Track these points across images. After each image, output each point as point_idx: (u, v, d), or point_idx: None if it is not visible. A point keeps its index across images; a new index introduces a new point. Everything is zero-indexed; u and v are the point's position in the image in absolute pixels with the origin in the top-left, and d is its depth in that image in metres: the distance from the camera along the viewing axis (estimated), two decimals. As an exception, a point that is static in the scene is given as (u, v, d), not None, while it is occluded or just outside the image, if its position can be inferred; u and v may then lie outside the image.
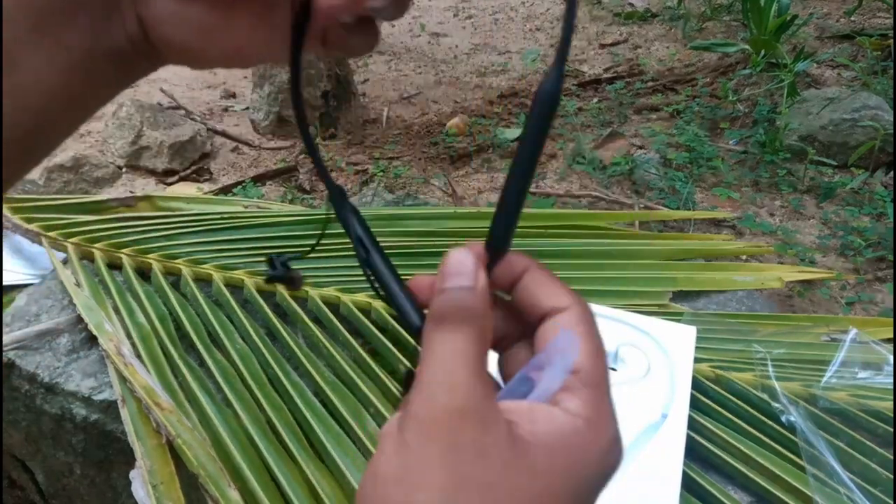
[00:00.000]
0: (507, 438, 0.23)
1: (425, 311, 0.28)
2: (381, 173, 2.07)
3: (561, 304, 0.27)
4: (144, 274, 0.91)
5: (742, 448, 0.69)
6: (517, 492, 0.23)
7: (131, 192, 2.17)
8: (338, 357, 0.78)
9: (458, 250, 0.27)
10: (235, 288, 0.89)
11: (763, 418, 0.72)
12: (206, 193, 2.05)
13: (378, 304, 0.84)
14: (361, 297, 0.86)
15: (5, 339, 0.81)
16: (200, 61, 0.29)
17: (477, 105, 2.54)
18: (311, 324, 0.83)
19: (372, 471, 0.24)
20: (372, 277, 0.30)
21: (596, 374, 0.26)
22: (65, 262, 0.92)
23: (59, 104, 0.28)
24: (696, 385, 0.75)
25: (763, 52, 2.33)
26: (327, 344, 0.80)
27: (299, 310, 0.85)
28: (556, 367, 0.25)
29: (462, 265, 0.27)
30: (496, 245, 0.28)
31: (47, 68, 0.26)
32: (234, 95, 2.80)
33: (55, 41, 0.26)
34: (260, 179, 2.11)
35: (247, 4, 0.28)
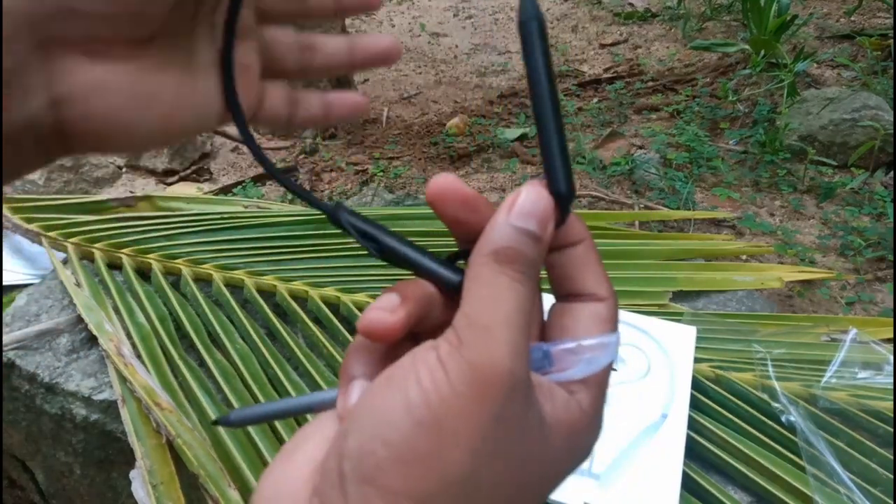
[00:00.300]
0: (539, 421, 0.23)
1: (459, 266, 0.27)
2: (381, 173, 2.07)
3: (601, 294, 0.26)
4: (144, 274, 0.91)
5: (742, 448, 0.69)
6: (538, 471, 0.24)
7: (131, 192, 2.17)
8: (338, 357, 0.78)
9: (537, 188, 0.25)
10: (235, 288, 0.89)
11: (763, 418, 0.72)
12: (206, 193, 2.05)
13: (378, 304, 0.84)
14: (361, 297, 0.86)
15: (5, 338, 0.81)
16: (120, 140, 0.26)
17: (477, 105, 2.54)
18: (311, 324, 0.83)
19: (403, 403, 0.22)
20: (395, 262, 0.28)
21: (606, 375, 0.26)
22: (65, 262, 0.92)
23: None
24: (696, 385, 0.75)
25: (763, 52, 2.33)
26: (327, 344, 0.80)
27: (299, 310, 0.85)
28: (591, 363, 0.25)
29: (537, 207, 0.24)
30: (562, 193, 0.25)
31: None
32: (234, 95, 2.80)
33: None
34: (260, 179, 2.11)
35: (175, 65, 0.26)
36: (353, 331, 0.82)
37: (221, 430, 0.72)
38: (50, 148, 0.25)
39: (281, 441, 0.71)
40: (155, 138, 0.27)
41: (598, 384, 0.26)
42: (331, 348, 0.79)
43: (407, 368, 0.23)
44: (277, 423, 0.73)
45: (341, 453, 0.22)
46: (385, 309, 0.24)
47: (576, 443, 0.25)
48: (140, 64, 0.25)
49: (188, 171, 2.22)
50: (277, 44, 0.31)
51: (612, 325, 0.26)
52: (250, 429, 0.72)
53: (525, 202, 0.24)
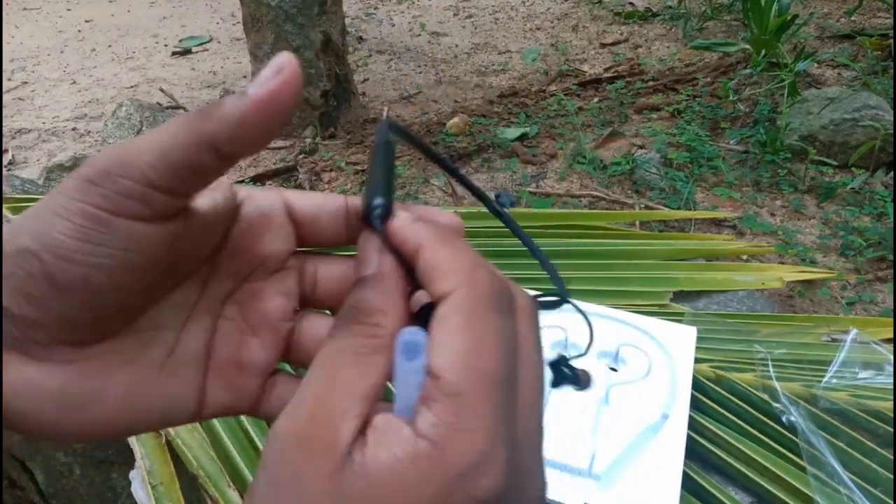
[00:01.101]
0: (329, 470, 0.19)
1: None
2: (382, 173, 2.07)
3: (445, 289, 0.21)
4: (144, 274, 0.91)
5: (743, 448, 0.69)
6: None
7: (131, 191, 2.17)
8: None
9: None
10: (235, 288, 0.89)
11: (764, 419, 0.72)
12: (206, 193, 2.05)
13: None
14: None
15: (5, 339, 0.81)
16: (46, 436, 0.24)
17: (477, 104, 2.54)
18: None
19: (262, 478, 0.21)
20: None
21: (465, 378, 0.20)
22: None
23: None
24: (697, 385, 0.75)
25: (764, 51, 2.33)
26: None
27: (299, 310, 0.85)
28: (401, 374, 0.21)
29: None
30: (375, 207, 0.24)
31: None
32: (234, 95, 2.80)
33: None
34: (259, 179, 2.11)
35: (127, 369, 0.24)
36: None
37: (221, 430, 0.72)
38: None
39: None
40: (90, 438, 0.24)
41: (449, 394, 0.20)
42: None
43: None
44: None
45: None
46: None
47: (407, 478, 0.19)
48: (81, 366, 0.23)
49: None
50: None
51: (462, 316, 0.21)
52: (250, 429, 0.72)
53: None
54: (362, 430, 0.20)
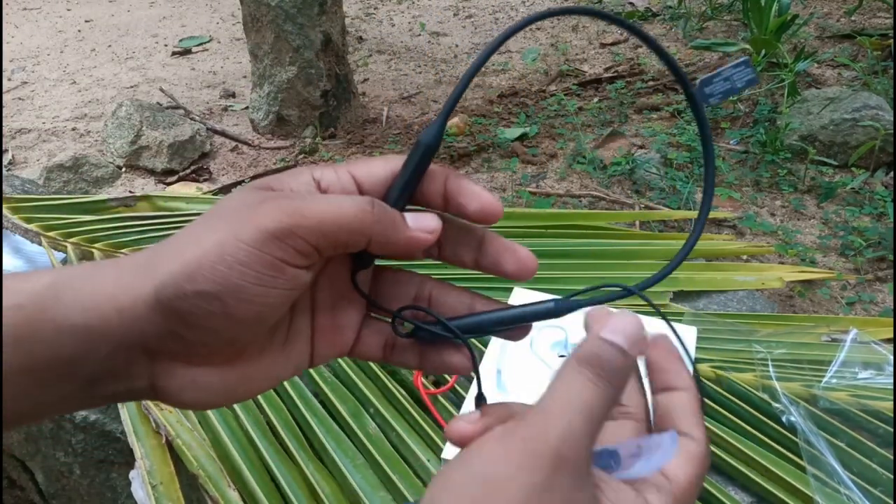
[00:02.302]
0: (591, 500, 0.25)
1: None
2: (382, 173, 2.07)
3: (695, 435, 0.30)
4: (144, 274, 0.91)
5: (743, 448, 0.69)
6: None
7: (131, 191, 2.17)
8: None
9: (632, 315, 0.28)
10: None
11: (764, 419, 0.72)
12: (205, 193, 2.05)
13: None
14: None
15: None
16: (208, 408, 0.31)
17: (477, 105, 2.54)
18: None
19: (465, 463, 0.26)
20: None
21: (685, 491, 0.28)
22: (64, 261, 0.92)
23: (37, 420, 0.29)
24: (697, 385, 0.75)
25: (763, 51, 2.32)
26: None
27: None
28: (654, 459, 0.28)
29: (629, 328, 0.28)
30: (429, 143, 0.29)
31: (33, 407, 0.27)
32: (233, 95, 2.80)
33: (47, 394, 0.27)
34: (259, 179, 2.11)
35: (264, 356, 0.30)
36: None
37: (221, 430, 0.72)
38: (142, 399, 0.29)
39: (282, 442, 0.71)
40: (242, 401, 0.31)
41: (672, 493, 0.28)
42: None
43: (478, 443, 0.27)
44: (277, 425, 0.73)
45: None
46: (468, 421, 0.28)
47: None
48: (234, 364, 0.29)
49: (187, 171, 2.22)
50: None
51: (697, 460, 0.30)
52: (250, 429, 0.72)
53: (620, 322, 0.28)
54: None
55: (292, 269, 0.27)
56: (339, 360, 0.77)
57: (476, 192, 0.29)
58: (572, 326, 0.76)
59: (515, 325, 0.32)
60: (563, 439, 0.25)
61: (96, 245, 0.94)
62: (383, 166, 0.30)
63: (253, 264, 0.26)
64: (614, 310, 0.29)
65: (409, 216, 0.29)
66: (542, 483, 0.24)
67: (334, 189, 0.30)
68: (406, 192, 0.29)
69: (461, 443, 0.28)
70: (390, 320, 0.32)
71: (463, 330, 0.31)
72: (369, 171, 0.30)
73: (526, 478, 0.24)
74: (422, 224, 0.29)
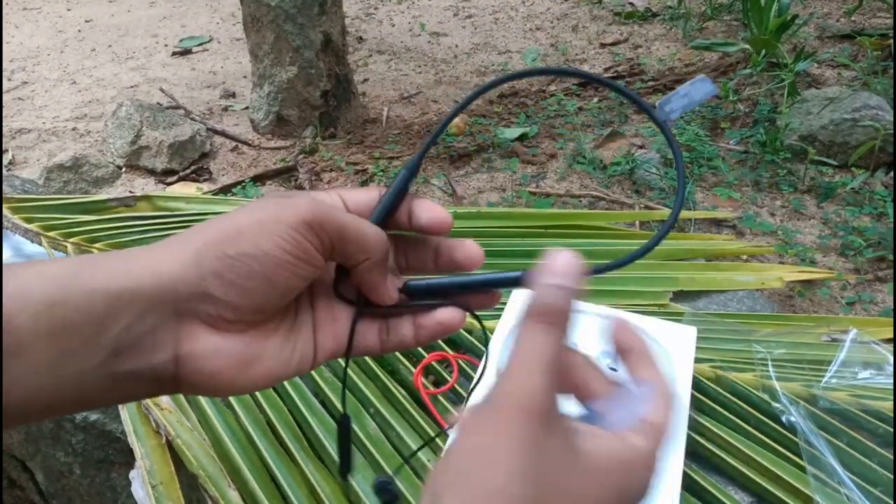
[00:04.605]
0: (566, 444, 0.28)
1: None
2: (381, 173, 2.07)
3: (652, 376, 0.32)
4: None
5: (742, 448, 0.69)
6: (567, 490, 0.27)
7: (131, 191, 2.17)
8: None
9: (567, 252, 0.31)
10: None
11: (763, 418, 0.72)
12: (205, 193, 2.05)
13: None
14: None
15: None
16: (222, 391, 0.32)
17: (477, 104, 2.54)
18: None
19: (456, 441, 0.28)
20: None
21: (663, 431, 0.30)
22: (64, 261, 0.92)
23: (54, 409, 0.29)
24: (697, 385, 0.75)
25: (763, 51, 2.32)
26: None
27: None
28: (633, 409, 0.30)
29: (565, 264, 0.30)
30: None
31: (53, 386, 0.27)
32: (233, 95, 2.80)
33: (70, 365, 0.27)
34: (260, 179, 2.11)
35: (280, 332, 0.33)
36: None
37: (221, 430, 0.72)
38: (163, 387, 0.31)
39: (282, 442, 0.71)
40: (255, 388, 0.32)
41: (653, 435, 0.30)
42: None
43: (461, 420, 0.29)
44: (278, 424, 0.73)
45: (427, 489, 0.28)
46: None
47: (627, 478, 0.29)
48: (252, 335, 0.32)
49: (188, 171, 2.22)
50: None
51: (668, 399, 0.32)
52: (250, 429, 0.72)
53: (557, 265, 0.30)
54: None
55: (317, 253, 0.31)
56: (340, 361, 0.77)
57: (428, 206, 0.35)
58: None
59: (480, 289, 0.35)
60: (529, 395, 0.27)
61: (96, 245, 0.94)
62: (366, 194, 0.35)
63: (289, 239, 0.30)
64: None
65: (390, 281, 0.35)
66: (521, 440, 0.26)
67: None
68: (387, 211, 0.35)
69: None
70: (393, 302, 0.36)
71: (426, 291, 0.35)
72: (355, 197, 0.35)
73: (504, 440, 0.26)
74: (391, 292, 0.35)
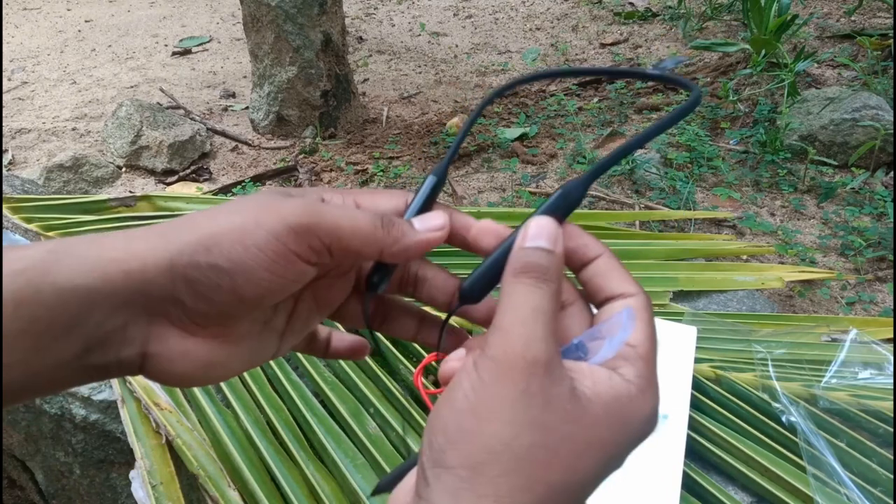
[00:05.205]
0: (569, 392, 0.27)
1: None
2: (381, 173, 2.07)
3: (630, 291, 0.31)
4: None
5: (742, 448, 0.69)
6: (573, 436, 0.26)
7: (131, 191, 2.17)
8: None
9: (541, 216, 0.30)
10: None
11: (763, 418, 0.72)
12: (205, 193, 2.05)
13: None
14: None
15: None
16: (186, 385, 0.32)
17: (477, 104, 2.54)
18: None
19: (449, 401, 0.27)
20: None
21: (650, 350, 0.29)
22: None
23: (22, 398, 0.29)
24: (697, 385, 0.75)
25: (763, 51, 2.32)
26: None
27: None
28: (616, 338, 0.29)
29: (544, 230, 0.30)
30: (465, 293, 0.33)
31: (24, 379, 0.27)
32: (233, 95, 2.80)
33: (41, 360, 0.27)
34: (259, 179, 2.11)
35: (245, 340, 0.32)
36: (352, 331, 0.82)
37: (221, 430, 0.72)
38: (129, 373, 0.30)
39: (282, 442, 0.71)
40: (215, 383, 0.33)
41: (643, 358, 0.29)
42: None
43: (455, 379, 0.28)
44: (278, 424, 0.73)
45: (423, 467, 0.27)
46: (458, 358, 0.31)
47: (626, 411, 0.28)
48: (222, 340, 0.31)
49: (188, 171, 2.22)
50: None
51: (646, 313, 0.30)
52: (250, 429, 0.72)
53: (533, 229, 0.30)
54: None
55: (302, 263, 0.29)
56: (340, 361, 0.77)
57: (487, 227, 0.33)
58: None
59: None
60: (527, 345, 0.26)
61: (96, 245, 0.94)
62: (388, 201, 0.33)
63: (268, 251, 0.28)
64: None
65: (415, 220, 0.32)
66: (523, 391, 0.26)
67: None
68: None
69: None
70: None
71: (480, 295, 0.33)
72: (374, 202, 0.33)
73: (507, 392, 0.26)
74: (429, 224, 0.32)
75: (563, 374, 0.27)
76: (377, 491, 0.34)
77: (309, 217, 0.29)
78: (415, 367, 0.79)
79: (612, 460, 0.28)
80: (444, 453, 0.26)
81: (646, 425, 0.28)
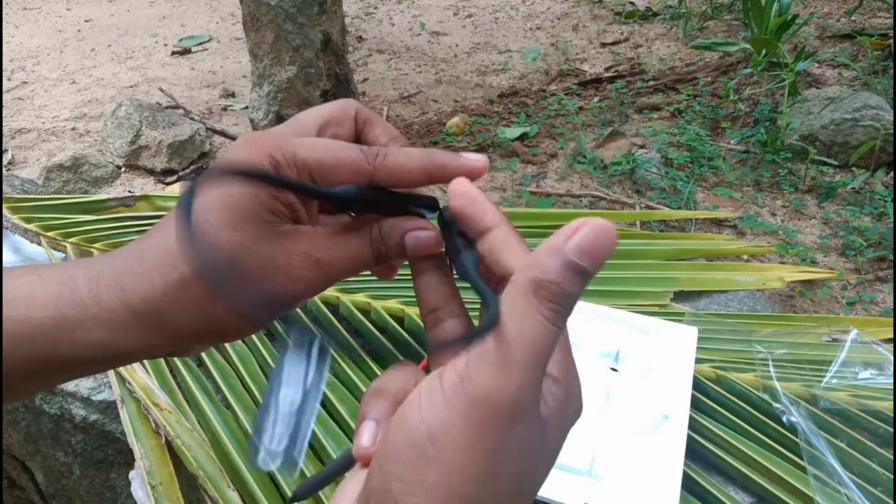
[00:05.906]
0: (541, 433, 0.24)
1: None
2: (382, 173, 2.06)
3: (489, 223, 0.27)
4: (144, 274, 0.91)
5: (743, 448, 0.68)
6: (541, 466, 0.24)
7: (130, 191, 2.17)
8: (337, 357, 0.78)
9: (601, 221, 0.23)
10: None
11: (764, 419, 0.72)
12: (206, 193, 2.04)
13: (377, 305, 0.84)
14: (361, 298, 0.86)
15: (4, 339, 0.81)
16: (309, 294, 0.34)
17: (477, 104, 2.54)
18: (310, 324, 0.83)
19: (409, 432, 0.23)
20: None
21: (567, 363, 0.25)
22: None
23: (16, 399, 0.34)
24: (698, 385, 0.75)
25: (764, 51, 2.32)
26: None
27: (298, 310, 0.85)
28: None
29: (599, 241, 0.23)
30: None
31: (22, 394, 0.31)
32: (233, 95, 2.80)
33: (40, 383, 0.31)
34: (260, 179, 2.11)
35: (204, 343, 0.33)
36: (352, 331, 0.82)
37: (221, 430, 0.72)
38: None
39: (280, 441, 0.71)
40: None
41: (564, 374, 0.25)
42: (330, 349, 0.79)
43: (414, 404, 0.24)
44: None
45: (368, 493, 0.24)
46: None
47: (566, 416, 0.25)
48: (179, 350, 0.33)
49: (187, 171, 2.22)
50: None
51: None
52: (250, 429, 0.72)
53: (587, 237, 0.23)
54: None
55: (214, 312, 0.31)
56: (340, 360, 0.77)
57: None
58: (627, 341, 0.76)
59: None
60: (520, 393, 0.22)
61: (96, 245, 0.94)
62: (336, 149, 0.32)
63: (189, 306, 0.30)
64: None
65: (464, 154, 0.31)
66: (500, 443, 0.22)
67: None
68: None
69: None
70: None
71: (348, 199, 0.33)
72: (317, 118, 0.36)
73: (485, 444, 0.22)
74: (473, 157, 0.31)
75: (538, 414, 0.24)
76: (294, 499, 0.33)
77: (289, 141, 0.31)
78: (415, 368, 0.79)
79: (549, 468, 0.26)
80: (393, 495, 0.23)
81: (576, 416, 0.26)
